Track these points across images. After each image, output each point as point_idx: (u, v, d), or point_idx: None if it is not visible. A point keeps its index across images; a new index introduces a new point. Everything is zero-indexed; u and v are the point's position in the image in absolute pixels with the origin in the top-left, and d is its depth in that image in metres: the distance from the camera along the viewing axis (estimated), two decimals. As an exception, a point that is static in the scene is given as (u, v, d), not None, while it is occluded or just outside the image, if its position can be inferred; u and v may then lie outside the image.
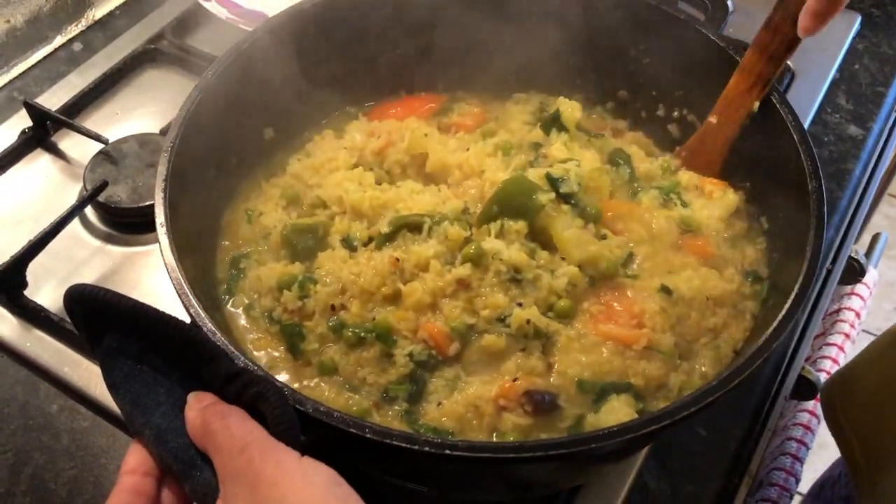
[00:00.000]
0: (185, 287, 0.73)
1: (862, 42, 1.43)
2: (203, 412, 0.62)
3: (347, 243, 0.92)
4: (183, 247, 0.78)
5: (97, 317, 0.65)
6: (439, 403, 0.82)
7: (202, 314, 0.71)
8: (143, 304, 0.64)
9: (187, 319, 0.71)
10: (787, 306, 0.72)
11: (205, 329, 0.70)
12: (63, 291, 0.65)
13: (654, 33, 1.01)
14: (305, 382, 0.85)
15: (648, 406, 0.83)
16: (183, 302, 0.72)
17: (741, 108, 0.95)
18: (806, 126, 1.28)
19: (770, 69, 0.93)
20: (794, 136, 0.86)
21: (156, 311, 0.64)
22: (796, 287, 0.73)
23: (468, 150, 1.02)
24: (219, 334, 0.69)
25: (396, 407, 0.83)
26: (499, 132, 1.08)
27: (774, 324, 0.71)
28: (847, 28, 1.42)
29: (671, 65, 1.00)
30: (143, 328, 0.65)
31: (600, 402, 0.82)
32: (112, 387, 0.66)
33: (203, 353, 0.65)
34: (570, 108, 1.05)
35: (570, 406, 0.82)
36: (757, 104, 0.94)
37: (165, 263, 0.75)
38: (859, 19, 1.44)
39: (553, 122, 1.05)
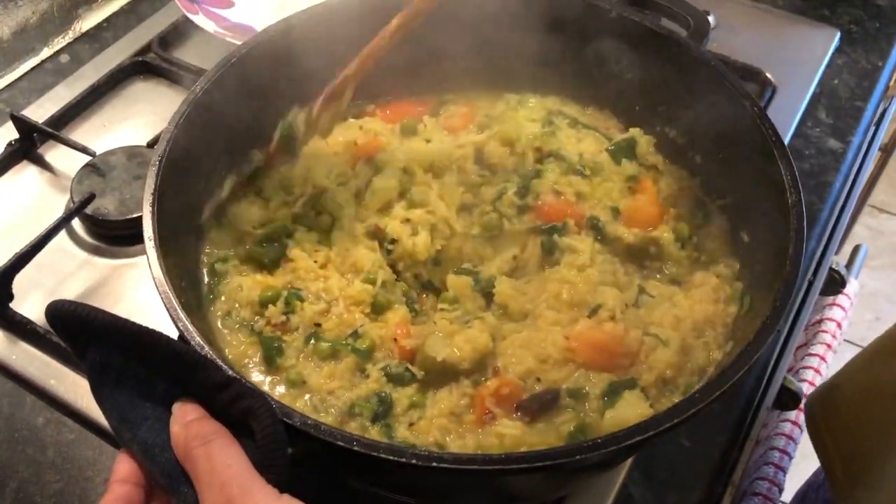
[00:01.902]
0: (174, 302, 0.73)
1: (841, 57, 1.45)
2: (186, 429, 0.62)
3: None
4: (171, 260, 0.79)
5: (78, 332, 0.65)
6: (410, 424, 0.82)
7: (191, 328, 0.71)
8: (120, 319, 0.64)
9: (175, 333, 0.72)
10: (766, 318, 0.73)
11: (193, 343, 0.70)
12: (48, 302, 0.65)
13: (636, 49, 1.03)
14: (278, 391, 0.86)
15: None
16: (171, 317, 0.73)
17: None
18: (787, 140, 1.30)
19: None
20: (774, 151, 0.87)
21: (135, 325, 0.64)
22: (776, 300, 0.74)
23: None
24: (207, 348, 0.70)
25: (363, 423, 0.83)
26: (493, 126, 1.09)
27: (754, 336, 0.72)
28: (826, 44, 1.45)
29: (653, 81, 1.01)
30: (123, 341, 0.65)
31: (613, 398, 0.83)
32: (99, 401, 0.66)
33: (190, 364, 0.65)
34: (645, 142, 1.06)
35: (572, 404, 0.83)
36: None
37: (154, 278, 0.75)
38: (838, 35, 1.47)
39: (625, 151, 1.06)
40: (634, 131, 1.07)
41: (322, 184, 1.01)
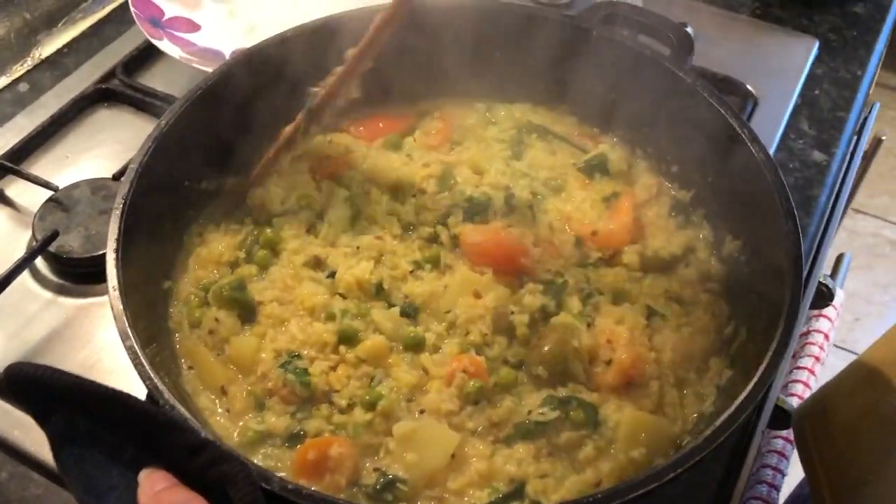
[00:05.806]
0: (141, 357, 0.69)
1: (821, 67, 1.44)
2: (156, 500, 0.58)
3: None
4: (137, 308, 0.75)
5: (40, 397, 0.61)
6: None
7: (160, 386, 0.67)
8: (86, 381, 0.60)
9: (143, 389, 0.68)
10: (766, 360, 0.70)
11: (162, 402, 0.66)
12: (11, 348, 0.61)
13: (623, 71, 1.00)
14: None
15: None
16: (139, 373, 0.68)
17: None
18: (771, 152, 1.28)
19: None
20: (767, 174, 0.85)
21: (101, 386, 0.60)
22: (774, 343, 0.71)
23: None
24: (179, 408, 0.66)
25: None
26: (465, 142, 1.09)
27: (757, 378, 0.69)
28: (806, 53, 1.43)
29: (639, 102, 0.99)
30: (89, 405, 0.61)
31: None
32: (63, 470, 0.62)
33: (161, 426, 0.61)
34: (618, 158, 1.06)
35: None
36: None
37: (119, 332, 0.71)
38: (817, 44, 1.45)
39: (597, 168, 1.06)
40: (605, 147, 1.07)
41: (276, 210, 0.99)
